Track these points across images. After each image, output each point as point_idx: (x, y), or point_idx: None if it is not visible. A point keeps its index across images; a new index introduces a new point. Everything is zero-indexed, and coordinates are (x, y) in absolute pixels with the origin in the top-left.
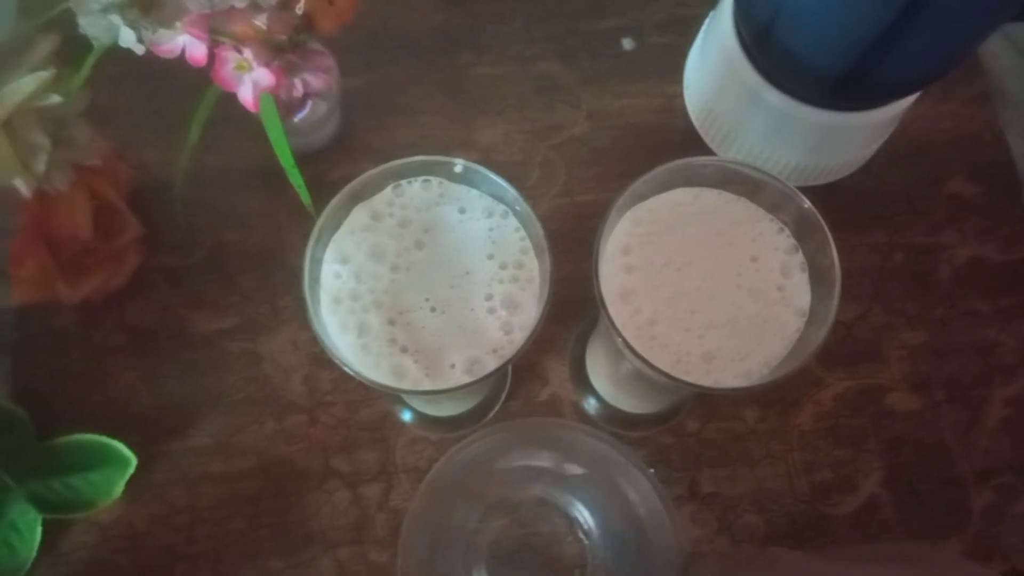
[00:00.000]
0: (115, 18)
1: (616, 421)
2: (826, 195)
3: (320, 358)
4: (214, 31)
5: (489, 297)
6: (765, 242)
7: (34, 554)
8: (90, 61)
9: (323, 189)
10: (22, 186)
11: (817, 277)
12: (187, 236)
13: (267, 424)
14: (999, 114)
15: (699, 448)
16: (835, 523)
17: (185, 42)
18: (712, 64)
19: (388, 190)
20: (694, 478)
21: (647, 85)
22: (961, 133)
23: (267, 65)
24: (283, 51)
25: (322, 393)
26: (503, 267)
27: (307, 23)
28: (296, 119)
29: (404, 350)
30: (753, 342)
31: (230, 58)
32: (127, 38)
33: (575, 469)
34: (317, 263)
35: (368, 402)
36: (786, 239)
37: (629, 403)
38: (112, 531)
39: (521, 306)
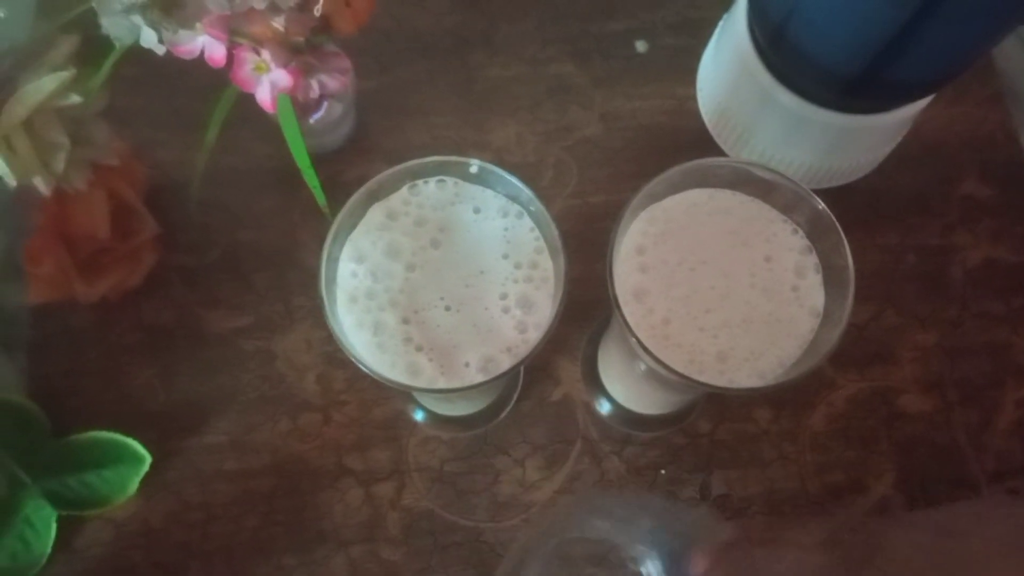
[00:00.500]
0: (137, 18)
1: (628, 422)
2: (839, 197)
3: (334, 357)
4: (233, 32)
5: (504, 296)
6: (779, 243)
7: (49, 550)
8: (110, 61)
9: (337, 190)
10: (41, 185)
11: (831, 278)
12: (203, 236)
13: (281, 422)
14: (1012, 115)
15: (711, 449)
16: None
17: (204, 43)
18: (726, 66)
19: (404, 190)
20: (706, 479)
21: (660, 87)
22: (974, 134)
23: (285, 66)
24: (300, 52)
25: (336, 392)
26: (518, 267)
27: (324, 25)
28: (312, 120)
29: (419, 348)
30: (767, 342)
31: (248, 59)
32: (148, 38)
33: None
34: (334, 262)
35: (381, 401)
36: (800, 240)
37: (642, 404)
38: (127, 528)
39: (535, 305)
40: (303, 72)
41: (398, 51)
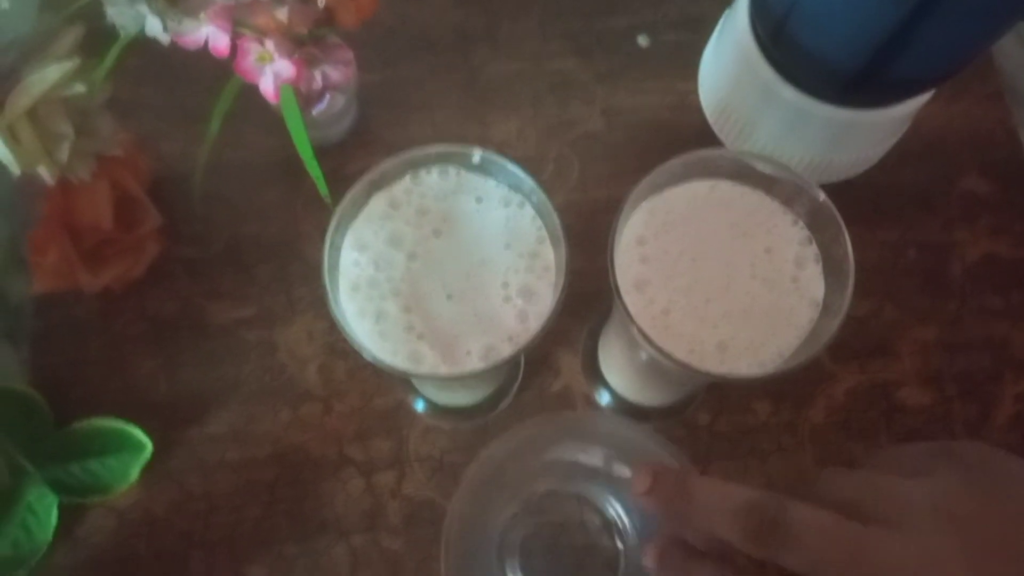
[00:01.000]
0: (142, 7)
1: (628, 413)
2: (839, 192)
3: (335, 348)
4: (237, 23)
5: (505, 286)
6: (780, 234)
7: (51, 537)
8: (115, 51)
9: (339, 182)
10: (45, 174)
11: (831, 268)
12: (206, 227)
13: (282, 413)
14: (1012, 112)
15: (710, 441)
16: None
17: (209, 33)
18: (727, 60)
19: (406, 179)
20: (705, 471)
21: (661, 82)
22: (974, 131)
23: (288, 57)
24: (304, 44)
25: (337, 382)
26: (519, 256)
27: (328, 17)
28: (314, 112)
29: (421, 337)
30: (767, 332)
31: (252, 49)
32: (153, 27)
33: (623, 470)
34: (336, 250)
35: (382, 392)
36: (800, 231)
37: (642, 395)
38: (129, 516)
39: (537, 295)
40: (306, 63)
41: (401, 46)
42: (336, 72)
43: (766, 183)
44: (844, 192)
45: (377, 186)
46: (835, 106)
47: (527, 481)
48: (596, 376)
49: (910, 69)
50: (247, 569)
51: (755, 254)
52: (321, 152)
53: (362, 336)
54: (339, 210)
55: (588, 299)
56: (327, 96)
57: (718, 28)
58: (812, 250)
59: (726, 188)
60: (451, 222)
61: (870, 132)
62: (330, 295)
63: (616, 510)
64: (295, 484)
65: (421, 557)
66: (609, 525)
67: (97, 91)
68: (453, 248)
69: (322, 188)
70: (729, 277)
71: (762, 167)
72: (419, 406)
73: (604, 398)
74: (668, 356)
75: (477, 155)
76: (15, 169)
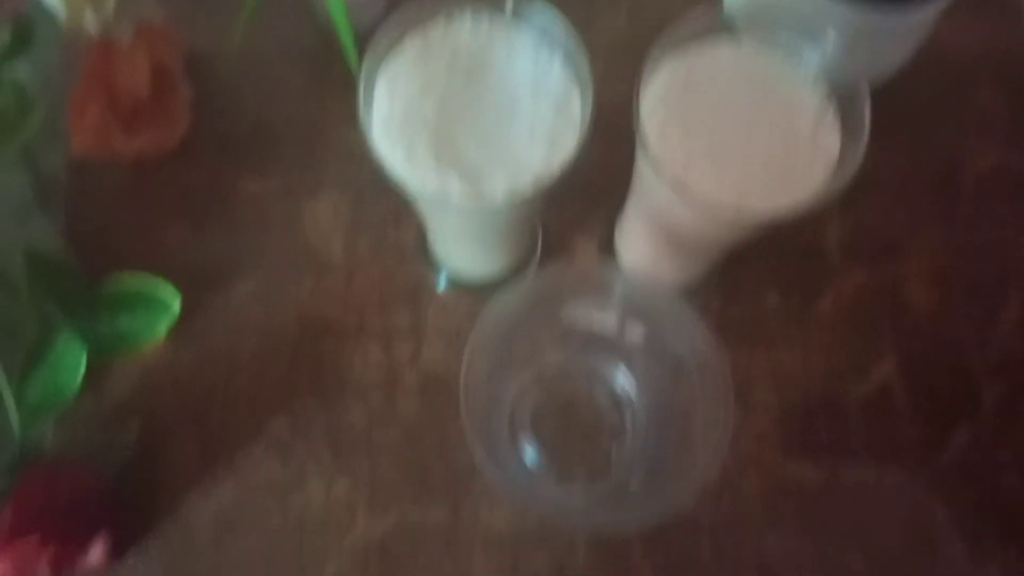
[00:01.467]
0: None
1: None
2: None
3: (359, 223)
4: None
5: (532, 131)
6: (799, 96)
7: (78, 387)
8: None
9: None
10: (91, 23)
11: (848, 126)
12: (236, 105)
13: (305, 281)
14: None
15: (720, 325)
16: (848, 405)
17: None
18: None
19: (440, 23)
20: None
21: None
22: (992, 46)
23: None
24: None
25: (359, 256)
26: (547, 102)
27: None
28: None
29: (449, 173)
30: (783, 187)
31: None
32: None
33: (636, 334)
34: (370, 87)
35: (403, 267)
36: (820, 93)
37: (656, 269)
38: (154, 373)
39: (562, 139)
40: None
41: None
42: None
43: (786, 45)
44: None
45: (410, 28)
46: (855, 3)
47: (538, 351)
48: (612, 258)
49: None
50: (268, 423)
51: (775, 113)
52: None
53: (393, 171)
54: (372, 48)
55: (606, 189)
56: None
57: None
58: (830, 111)
59: (748, 51)
60: (482, 67)
61: (886, 38)
62: (365, 128)
63: (625, 386)
64: (316, 348)
65: (435, 421)
66: (617, 400)
67: None
68: (483, 93)
69: (351, 57)
70: (748, 135)
71: (785, 31)
72: (439, 281)
73: None
74: (690, 195)
75: (510, 1)
76: (62, 15)
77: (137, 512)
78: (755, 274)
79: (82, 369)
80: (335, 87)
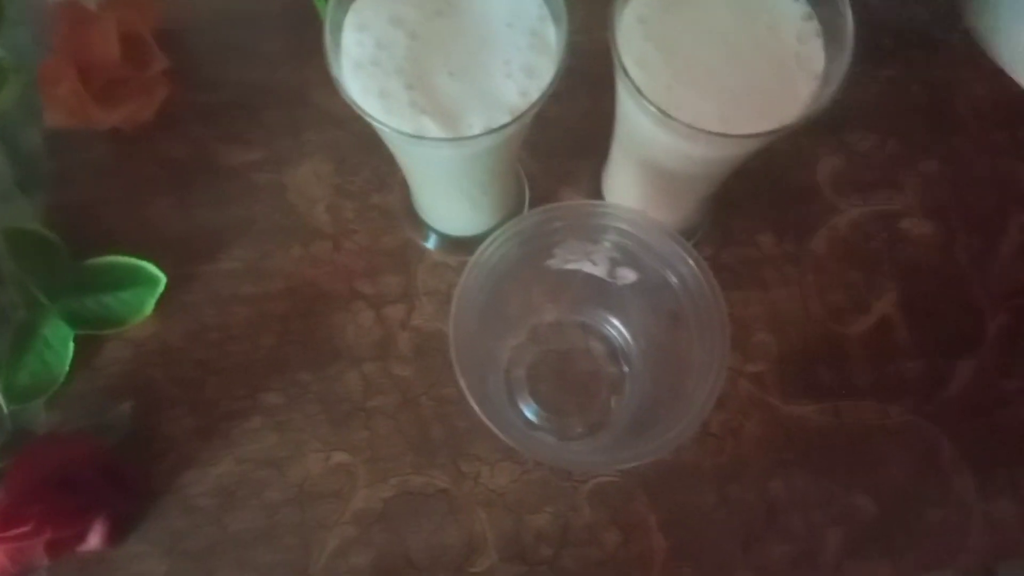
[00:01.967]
0: None
1: None
2: None
3: (343, 188)
4: None
5: (507, 63)
6: (781, 11)
7: (67, 368)
8: None
9: None
10: None
11: (832, 40)
12: (214, 74)
13: (293, 249)
14: None
15: (714, 271)
16: (848, 343)
17: None
18: None
19: None
20: None
21: None
22: None
23: None
24: None
25: (345, 221)
26: (521, 34)
27: None
28: None
29: (424, 112)
30: (768, 106)
31: None
32: None
33: (627, 276)
34: (337, 29)
35: (390, 230)
36: (802, 7)
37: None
38: (145, 347)
39: (538, 71)
40: None
41: None
42: None
43: None
44: None
45: None
46: None
47: (531, 310)
48: None
49: None
50: (263, 395)
51: (757, 31)
52: None
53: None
54: None
55: (591, 140)
56: None
57: None
58: (813, 25)
59: None
60: (453, 2)
61: None
62: (334, 69)
63: (621, 336)
64: (307, 316)
65: (430, 382)
66: (614, 351)
67: None
68: (455, 27)
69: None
70: (731, 54)
71: None
72: (427, 243)
73: None
74: (673, 120)
75: None
76: None
77: (135, 491)
78: (747, 217)
79: (71, 349)
80: (313, 51)
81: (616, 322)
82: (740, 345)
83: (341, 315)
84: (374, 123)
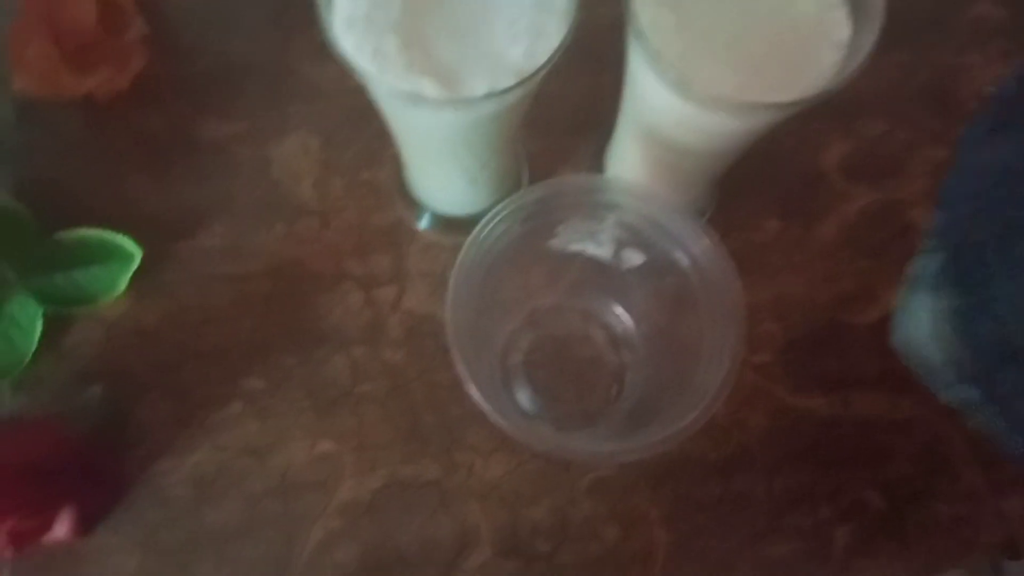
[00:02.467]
0: None
1: None
2: None
3: (330, 163)
4: None
5: (512, 23)
6: None
7: (34, 348)
8: None
9: None
10: None
11: (857, 7)
12: (192, 43)
13: (277, 227)
14: None
15: None
16: (855, 332)
17: None
18: None
19: None
20: None
21: None
22: None
23: None
24: None
25: (333, 198)
26: None
27: None
28: None
29: (423, 73)
30: (789, 76)
31: None
32: None
33: (633, 258)
34: None
35: (381, 208)
36: None
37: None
38: (118, 328)
39: (544, 33)
40: None
41: None
42: None
43: None
44: None
45: None
46: None
47: (529, 293)
48: None
49: None
50: (244, 379)
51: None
52: None
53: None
54: None
55: (593, 118)
56: None
57: None
58: None
59: None
60: None
61: None
62: (327, 30)
63: (623, 322)
64: (292, 297)
65: (422, 368)
66: (616, 338)
67: None
68: None
69: None
70: (750, 22)
71: None
72: (420, 222)
73: None
74: (690, 90)
75: None
76: None
77: (106, 480)
78: (754, 202)
79: (39, 328)
80: (298, 20)
81: (618, 308)
82: (745, 334)
83: (328, 296)
84: (369, 84)
